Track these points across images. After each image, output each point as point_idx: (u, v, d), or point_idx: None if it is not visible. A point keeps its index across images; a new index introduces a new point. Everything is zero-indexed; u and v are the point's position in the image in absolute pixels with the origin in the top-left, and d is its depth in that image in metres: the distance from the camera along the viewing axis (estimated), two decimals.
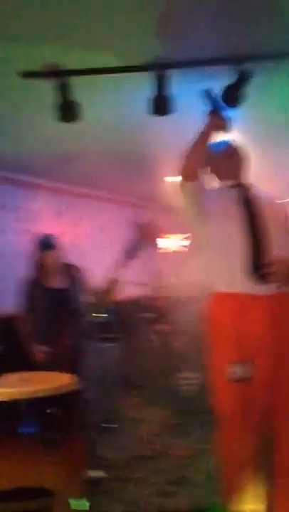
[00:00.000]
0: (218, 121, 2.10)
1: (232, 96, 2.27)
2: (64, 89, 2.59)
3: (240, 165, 2.27)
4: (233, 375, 1.92)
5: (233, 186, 2.23)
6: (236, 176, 2.26)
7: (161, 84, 2.38)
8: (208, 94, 2.10)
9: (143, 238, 4.15)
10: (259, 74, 2.32)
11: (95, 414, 3.53)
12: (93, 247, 5.76)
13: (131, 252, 3.42)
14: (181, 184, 2.14)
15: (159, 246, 6.43)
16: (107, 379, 3.95)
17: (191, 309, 4.79)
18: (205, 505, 2.53)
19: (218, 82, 2.21)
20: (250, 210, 2.13)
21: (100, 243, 5.91)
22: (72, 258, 3.55)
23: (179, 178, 2.14)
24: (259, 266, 1.98)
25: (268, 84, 2.69)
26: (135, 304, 5.32)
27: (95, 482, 2.97)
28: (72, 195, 5.74)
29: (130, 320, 5.12)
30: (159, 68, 2.32)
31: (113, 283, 3.37)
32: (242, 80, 2.12)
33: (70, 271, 3.38)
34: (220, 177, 2.30)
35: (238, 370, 1.92)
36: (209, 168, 2.27)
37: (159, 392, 4.46)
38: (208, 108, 2.11)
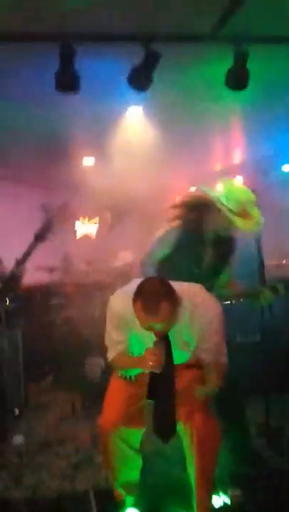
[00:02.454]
0: None
1: (140, 77, 2.23)
2: None
3: None
4: None
5: None
6: None
7: (65, 59, 2.30)
8: None
9: (55, 221, 4.07)
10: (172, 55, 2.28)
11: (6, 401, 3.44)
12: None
13: (41, 236, 3.33)
14: None
15: (73, 230, 6.31)
16: (14, 365, 3.84)
17: (98, 296, 4.80)
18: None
19: (127, 62, 2.17)
20: None
21: (8, 226, 5.67)
22: None
23: None
24: None
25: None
26: (43, 290, 5.19)
27: None
28: None
29: (38, 306, 4.99)
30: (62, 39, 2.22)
31: (20, 268, 3.27)
32: (150, 61, 2.10)
33: None
34: None
35: None
36: None
37: (66, 378, 4.41)
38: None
